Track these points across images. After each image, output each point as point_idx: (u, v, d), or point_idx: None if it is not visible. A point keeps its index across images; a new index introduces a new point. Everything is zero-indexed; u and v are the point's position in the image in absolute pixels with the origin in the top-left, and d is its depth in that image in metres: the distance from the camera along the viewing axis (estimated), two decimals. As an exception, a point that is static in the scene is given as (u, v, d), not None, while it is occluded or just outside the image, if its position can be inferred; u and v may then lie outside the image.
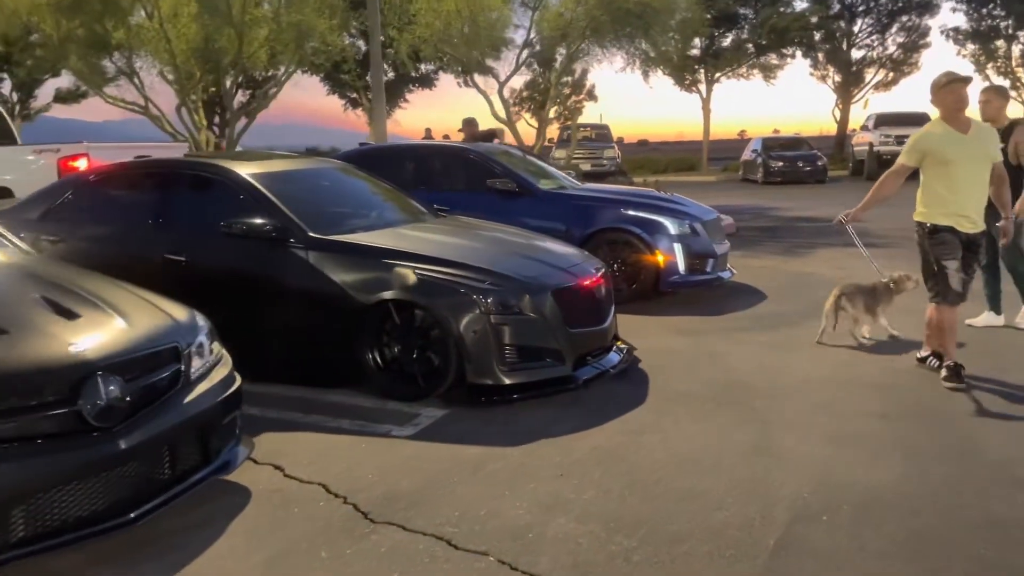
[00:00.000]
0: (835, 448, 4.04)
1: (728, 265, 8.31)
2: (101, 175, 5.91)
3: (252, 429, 4.34)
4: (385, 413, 4.64)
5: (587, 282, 5.15)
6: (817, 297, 7.63)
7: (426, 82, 31.17)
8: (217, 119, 34.80)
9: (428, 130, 30.28)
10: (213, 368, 3.54)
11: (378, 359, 4.88)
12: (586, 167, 25.31)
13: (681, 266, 7.47)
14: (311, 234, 5.07)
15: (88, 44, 12.05)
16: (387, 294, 4.78)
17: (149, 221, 5.49)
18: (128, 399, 3.01)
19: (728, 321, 6.90)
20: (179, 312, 3.57)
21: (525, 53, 17.69)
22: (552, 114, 34.19)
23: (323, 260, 4.99)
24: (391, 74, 30.22)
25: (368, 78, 31.23)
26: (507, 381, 4.71)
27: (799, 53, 34.67)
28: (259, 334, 5.15)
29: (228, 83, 14.11)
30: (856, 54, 35.33)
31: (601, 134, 28.82)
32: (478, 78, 17.28)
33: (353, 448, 4.14)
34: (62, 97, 28.04)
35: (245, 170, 5.42)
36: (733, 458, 3.92)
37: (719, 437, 4.21)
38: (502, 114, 17.03)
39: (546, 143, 31.74)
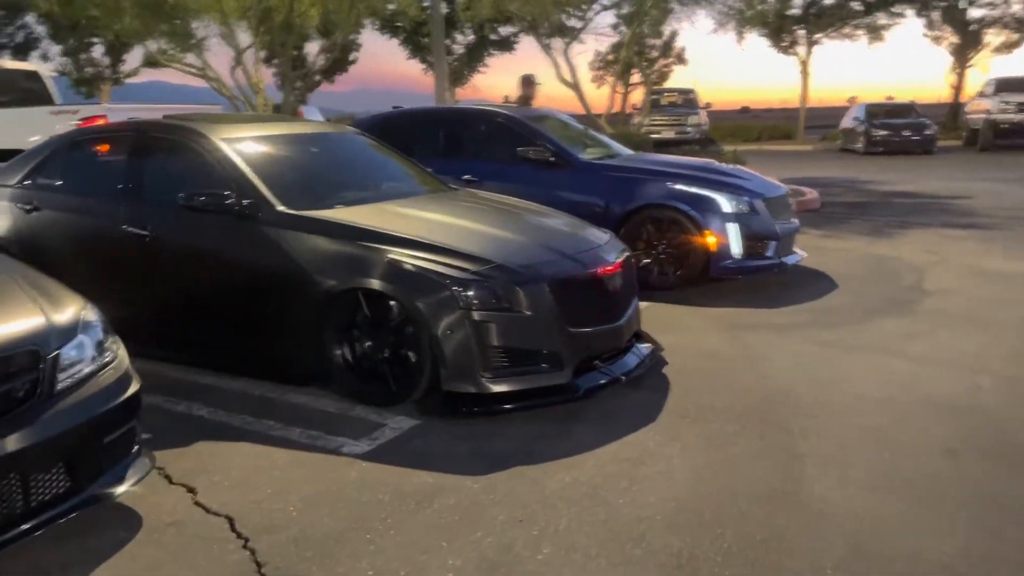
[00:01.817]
0: (880, 497, 3.15)
1: (797, 248, 7.28)
2: (78, 138, 5.42)
3: (190, 435, 3.81)
4: (346, 421, 3.99)
5: (597, 272, 4.33)
6: (898, 288, 6.60)
7: (506, 46, 30.17)
8: (299, 83, 34.95)
9: (506, 97, 29.60)
10: (97, 373, 2.93)
11: (347, 356, 4.22)
12: (669, 134, 23.99)
13: (735, 249, 6.52)
14: (280, 208, 4.42)
15: (142, 4, 11.82)
16: (355, 281, 4.11)
17: (114, 190, 4.97)
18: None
19: (783, 315, 5.94)
20: (61, 308, 2.98)
21: (597, 10, 16.53)
22: (637, 78, 32.92)
23: (291, 239, 4.34)
24: (470, 37, 29.47)
25: (448, 41, 30.66)
26: (491, 389, 3.97)
27: (911, 12, 31.97)
28: (222, 321, 4.58)
29: (281, 43, 13.65)
30: (975, 13, 32.33)
31: (687, 99, 27.26)
32: (547, 39, 16.28)
33: (291, 467, 3.50)
34: (151, 61, 28.42)
35: (219, 134, 4.81)
36: (743, 506, 3.09)
37: (733, 474, 3.37)
38: (568, 77, 16.07)
39: (630, 109, 30.59)
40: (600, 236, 4.86)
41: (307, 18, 13.07)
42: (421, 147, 7.57)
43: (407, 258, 4.04)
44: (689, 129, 25.28)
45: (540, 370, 4.07)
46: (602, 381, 4.26)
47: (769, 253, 6.72)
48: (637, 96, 31.39)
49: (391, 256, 4.06)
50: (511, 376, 4.02)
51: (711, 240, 6.48)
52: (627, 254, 4.77)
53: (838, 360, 4.86)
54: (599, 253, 4.51)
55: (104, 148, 5.19)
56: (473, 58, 30.11)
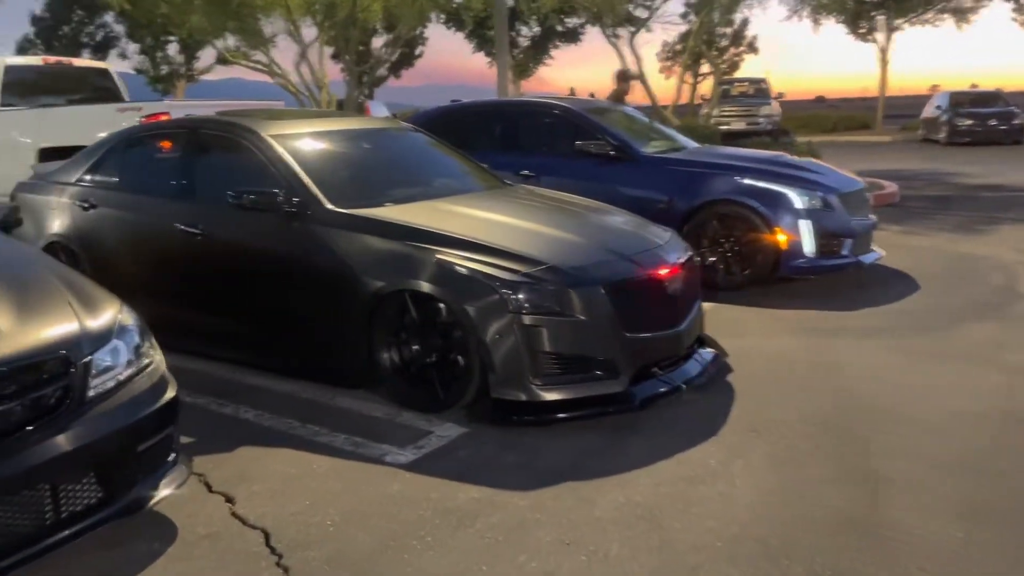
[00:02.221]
0: (969, 528, 2.83)
1: (875, 246, 6.86)
2: (133, 136, 5.42)
3: (234, 440, 3.72)
4: (393, 428, 3.84)
5: (656, 273, 4.08)
6: (986, 289, 6.14)
7: (572, 37, 29.85)
8: (365, 78, 35.24)
9: (572, 90, 29.30)
10: (132, 379, 2.84)
11: (395, 360, 4.08)
12: (739, 125, 23.36)
13: (808, 247, 6.15)
14: (329, 206, 4.31)
15: (209, 2, 11.97)
16: (402, 282, 3.96)
17: (167, 187, 4.94)
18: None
19: (861, 318, 5.57)
20: (96, 311, 2.89)
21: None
22: (706, 69, 32.14)
23: (340, 238, 4.22)
24: (536, 29, 29.23)
25: (513, 33, 30.47)
26: (542, 396, 3.77)
27: (999, -6, 30.37)
28: (272, 322, 4.50)
29: (345, 38, 13.67)
30: (1070, -7, 30.50)
31: (759, 89, 26.48)
32: (609, 30, 15.92)
33: (332, 477, 3.37)
34: (223, 59, 29.06)
35: (270, 131, 4.72)
36: (814, 536, 2.82)
37: (803, 498, 3.10)
38: (634, 68, 15.67)
39: (699, 100, 29.87)
40: (661, 235, 4.60)
41: (370, 13, 13.07)
42: (479, 141, 7.39)
43: (455, 259, 3.87)
44: (761, 120, 24.54)
45: (594, 378, 3.85)
46: (661, 390, 4.02)
47: (844, 251, 6.34)
48: (707, 87, 30.66)
49: (439, 257, 3.89)
50: (563, 384, 3.81)
51: (781, 238, 6.13)
52: (690, 254, 4.50)
53: (923, 370, 4.50)
54: (659, 253, 4.25)
55: (164, 145, 5.16)
56: (539, 50, 29.88)
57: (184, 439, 3.66)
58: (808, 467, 3.36)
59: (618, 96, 9.35)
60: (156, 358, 3.01)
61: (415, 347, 4.02)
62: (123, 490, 2.76)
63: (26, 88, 8.93)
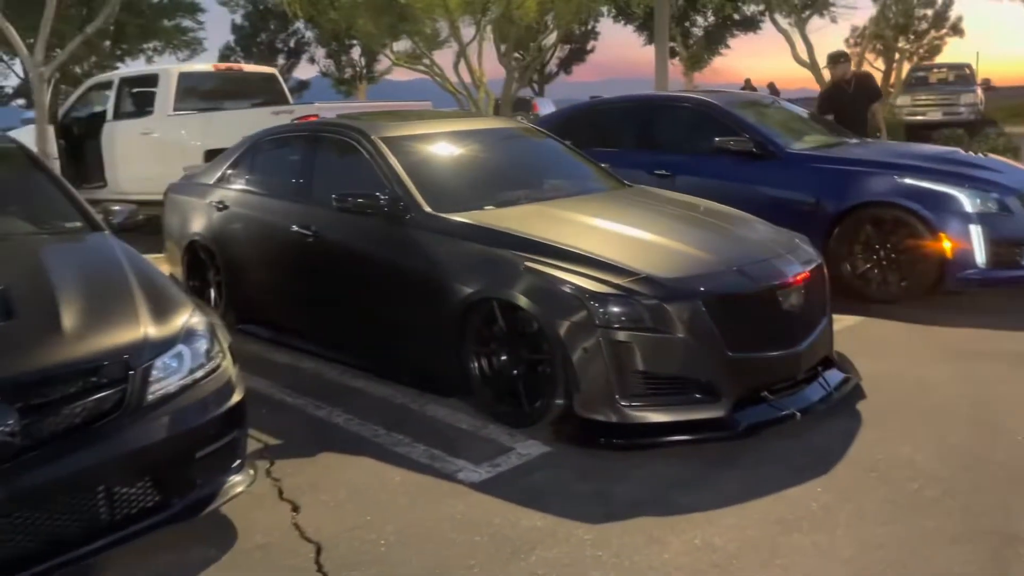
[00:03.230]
0: None
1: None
2: (262, 139, 5.61)
3: (318, 443, 3.74)
4: (474, 441, 3.70)
5: (768, 287, 3.67)
6: None
7: (750, 25, 28.48)
8: (536, 76, 35.47)
9: (747, 80, 27.91)
10: (196, 384, 2.86)
11: (485, 370, 3.93)
12: (936, 115, 21.29)
13: (979, 257, 5.38)
14: (428, 210, 4.23)
15: (371, 5, 12.40)
16: (489, 289, 3.80)
17: (286, 189, 5.07)
18: (23, 428, 2.44)
19: (1037, 342, 4.79)
20: (165, 315, 2.94)
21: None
22: (904, 51, 29.59)
23: (435, 242, 4.14)
24: (711, 18, 28.17)
25: (687, 24, 29.55)
26: (632, 418, 3.49)
27: None
28: (373, 325, 4.49)
29: (503, 37, 13.73)
30: None
31: (960, 75, 24.01)
32: (782, 15, 14.95)
33: (400, 491, 3.27)
34: (406, 60, 30.27)
35: (379, 133, 4.71)
36: (918, 611, 2.37)
37: (916, 558, 2.63)
38: (805, 56, 14.60)
39: (892, 88, 27.61)
40: (786, 242, 4.15)
41: (525, 11, 13.02)
42: (615, 139, 7.13)
43: (544, 267, 3.65)
44: (962, 109, 22.23)
45: (692, 400, 3.52)
46: (770, 417, 3.60)
47: (1024, 262, 5.49)
48: (904, 73, 28.27)
49: (527, 264, 3.70)
50: (656, 406, 3.51)
51: (947, 245, 5.40)
52: (816, 264, 4.03)
53: (1101, 408, 3.77)
54: (775, 264, 3.82)
55: (282, 148, 5.32)
56: (713, 40, 28.77)
57: (272, 441, 3.77)
58: (929, 519, 2.87)
59: (836, 79, 8.48)
60: (224, 363, 3.03)
61: (503, 358, 3.86)
62: (180, 494, 2.79)
63: (198, 93, 9.61)
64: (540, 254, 3.73)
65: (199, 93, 9.67)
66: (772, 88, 28.09)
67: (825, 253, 5.74)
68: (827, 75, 9.88)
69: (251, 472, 3.05)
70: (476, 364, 3.94)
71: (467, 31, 14.18)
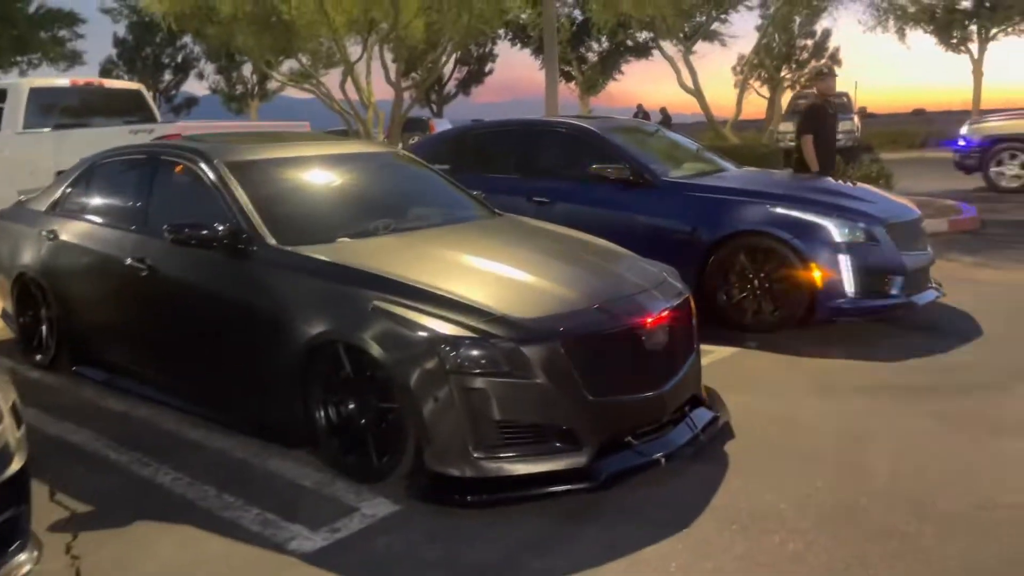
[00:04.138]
0: None
1: (933, 282, 6.03)
2: (98, 163, 5.10)
3: (135, 511, 3.32)
4: (316, 501, 3.34)
5: (631, 325, 3.47)
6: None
7: (642, 52, 29.11)
8: (435, 96, 35.30)
9: (640, 106, 28.49)
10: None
11: (332, 419, 3.59)
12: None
13: (849, 286, 5.39)
14: (272, 243, 3.87)
15: (252, 21, 11.89)
16: (333, 331, 3.48)
17: (121, 218, 4.63)
18: None
19: (904, 373, 4.79)
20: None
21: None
22: (785, 79, 30.83)
23: (279, 279, 3.79)
24: (604, 43, 28.65)
25: (581, 49, 29.98)
26: (487, 472, 3.21)
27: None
28: (213, 370, 4.08)
29: (394, 58, 13.41)
30: None
31: (839, 104, 25.15)
32: (668, 42, 15.21)
33: (218, 566, 2.88)
34: (293, 79, 29.52)
35: (225, 157, 4.32)
36: None
37: (774, 629, 2.44)
38: (690, 83, 14.90)
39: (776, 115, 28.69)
40: (653, 277, 3.98)
41: (412, 30, 12.75)
42: (495, 164, 6.93)
43: (393, 306, 3.35)
44: (840, 136, 23.17)
45: (552, 450, 3.27)
46: (634, 464, 3.39)
47: (894, 291, 5.54)
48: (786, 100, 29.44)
49: (376, 304, 3.38)
50: (514, 457, 3.24)
51: (817, 275, 5.39)
52: (683, 299, 3.87)
53: (967, 445, 3.73)
54: (639, 301, 3.63)
55: (121, 171, 4.84)
56: (607, 65, 29.26)
57: (83, 508, 3.34)
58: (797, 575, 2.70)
59: (823, 94, 8.18)
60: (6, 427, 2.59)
61: (351, 406, 3.52)
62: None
63: (54, 110, 8.90)
64: (390, 292, 3.42)
65: (55, 110, 8.96)
66: (664, 113, 28.80)
67: (701, 283, 5.76)
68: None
69: (35, 553, 2.62)
70: (322, 413, 3.58)
71: (357, 49, 13.85)
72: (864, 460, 3.60)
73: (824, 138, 7.84)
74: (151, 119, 9.79)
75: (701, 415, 3.84)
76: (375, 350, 3.30)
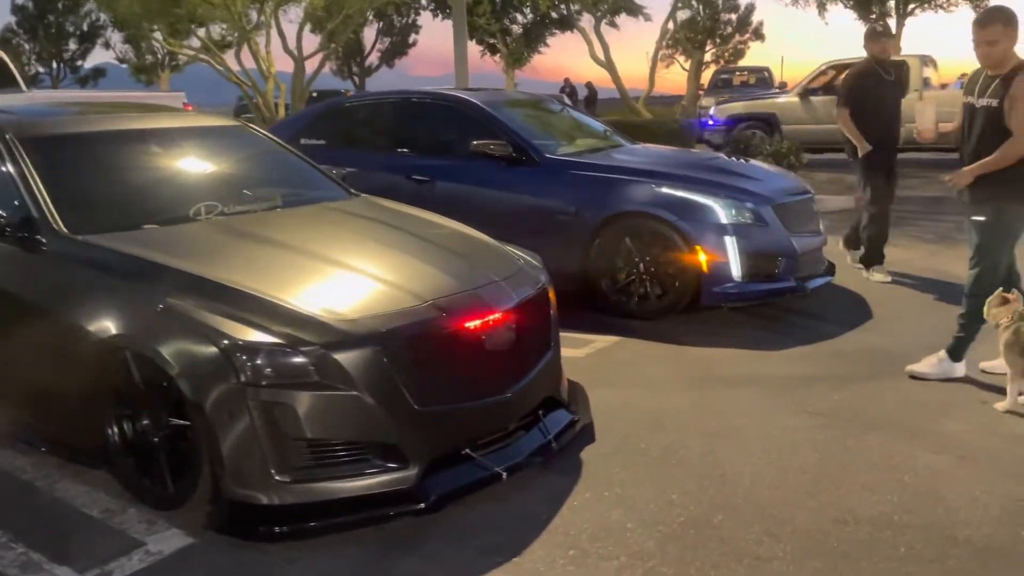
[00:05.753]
0: None
1: (826, 264, 5.81)
2: None
3: None
4: (98, 535, 2.87)
5: (464, 324, 3.07)
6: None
7: (568, 24, 28.62)
8: (356, 69, 34.30)
9: (567, 80, 28.12)
10: None
11: (127, 434, 3.11)
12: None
13: (735, 270, 5.10)
14: (62, 230, 3.33)
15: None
16: (119, 335, 2.99)
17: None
18: None
19: (785, 363, 4.53)
20: None
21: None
22: (709, 56, 30.87)
23: (70, 273, 3.27)
24: (529, 16, 28.13)
25: (506, 21, 29.36)
26: (291, 499, 2.79)
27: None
28: (6, 380, 3.54)
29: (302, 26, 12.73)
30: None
31: (760, 79, 25.21)
32: (580, 15, 14.79)
33: (-47, 624, 2.41)
34: (206, 47, 28.21)
35: (23, 131, 3.71)
36: None
37: None
38: (601, 56, 14.54)
39: (700, 91, 28.70)
40: (505, 267, 3.57)
41: (309, -3, 12.07)
42: (373, 140, 6.47)
43: (187, 306, 2.88)
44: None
45: (371, 469, 2.86)
46: (470, 480, 3.02)
47: (783, 274, 5.28)
48: (708, 76, 29.44)
49: (170, 301, 2.91)
50: (326, 479, 2.82)
51: (703, 258, 5.08)
52: (538, 291, 3.48)
53: (836, 445, 3.46)
54: (481, 296, 3.22)
55: None
56: (532, 38, 28.76)
57: None
58: (621, 621, 2.36)
59: (875, 58, 6.67)
60: None
61: (144, 422, 3.05)
62: None
63: None
64: (183, 290, 2.95)
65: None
66: (590, 88, 28.52)
67: (586, 266, 5.42)
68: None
69: None
70: (114, 429, 3.10)
71: (255, 16, 13.02)
72: (726, 464, 3.29)
73: (876, 111, 6.17)
74: (13, 82, 8.98)
75: (557, 418, 3.49)
76: (161, 359, 2.83)
